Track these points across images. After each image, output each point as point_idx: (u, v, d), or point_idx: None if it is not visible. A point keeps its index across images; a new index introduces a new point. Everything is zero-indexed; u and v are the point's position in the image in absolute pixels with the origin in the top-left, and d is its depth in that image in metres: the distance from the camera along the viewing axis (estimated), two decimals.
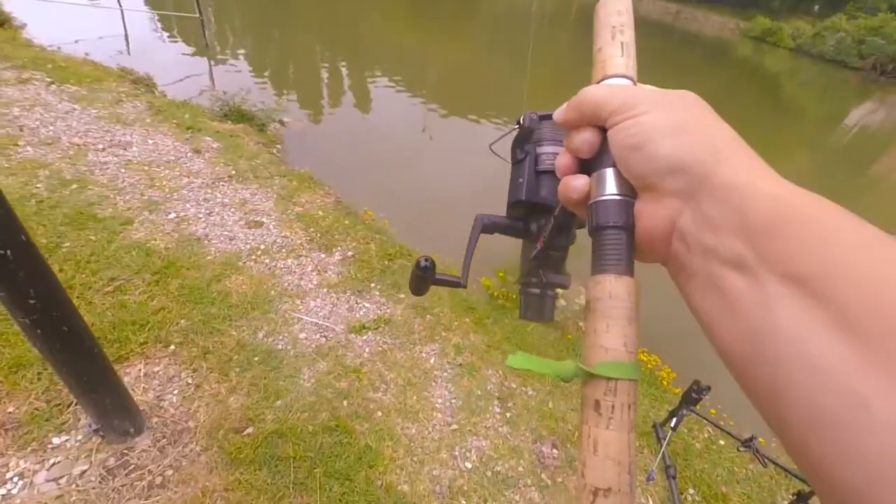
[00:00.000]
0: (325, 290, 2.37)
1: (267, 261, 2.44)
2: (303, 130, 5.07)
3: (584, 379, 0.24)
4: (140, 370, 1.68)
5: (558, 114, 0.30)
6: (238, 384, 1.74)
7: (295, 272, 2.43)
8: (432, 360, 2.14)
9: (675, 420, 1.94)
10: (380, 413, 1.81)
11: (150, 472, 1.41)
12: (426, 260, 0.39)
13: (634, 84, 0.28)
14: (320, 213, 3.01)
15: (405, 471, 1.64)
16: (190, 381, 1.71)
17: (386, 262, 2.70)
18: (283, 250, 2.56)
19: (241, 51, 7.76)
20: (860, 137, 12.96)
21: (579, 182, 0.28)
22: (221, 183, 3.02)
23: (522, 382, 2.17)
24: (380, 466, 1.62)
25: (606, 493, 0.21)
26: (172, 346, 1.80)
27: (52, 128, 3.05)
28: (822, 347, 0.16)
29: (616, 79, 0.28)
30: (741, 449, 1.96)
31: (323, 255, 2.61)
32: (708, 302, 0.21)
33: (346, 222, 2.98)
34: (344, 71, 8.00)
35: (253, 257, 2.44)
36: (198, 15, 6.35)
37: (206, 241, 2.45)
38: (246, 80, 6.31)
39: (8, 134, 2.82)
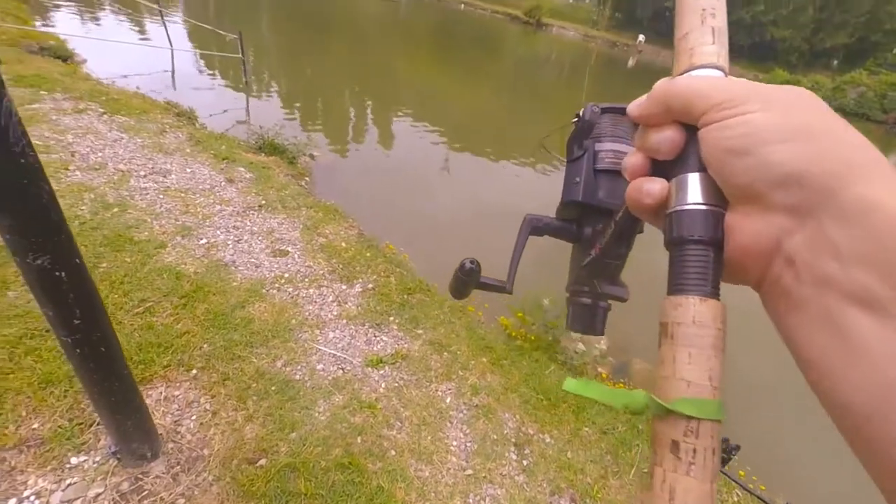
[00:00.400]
0: (344, 321, 2.38)
1: (290, 289, 2.49)
2: (330, 164, 5.28)
3: (658, 414, 0.21)
4: (161, 393, 1.70)
5: (635, 107, 0.26)
6: (255, 413, 1.74)
7: (316, 302, 2.46)
8: (448, 400, 2.10)
9: None
10: (393, 452, 1.77)
11: (161, 499, 1.39)
12: (471, 262, 0.36)
13: (726, 77, 0.24)
14: (343, 244, 3.08)
15: None
16: (208, 406, 1.71)
17: (405, 297, 2.71)
18: (306, 280, 2.61)
19: (275, 87, 8.25)
20: None
21: (655, 186, 0.25)
22: (251, 212, 3.14)
23: (540, 428, 2.10)
24: None
25: None
26: (194, 371, 1.82)
27: (100, 154, 3.25)
28: None
29: (706, 70, 0.24)
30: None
31: (344, 287, 2.65)
32: (820, 341, 0.19)
33: (368, 255, 3.03)
34: (370, 108, 8.40)
35: (276, 285, 2.49)
36: (240, 55, 6.83)
37: (233, 268, 2.52)
38: (278, 113, 6.67)
39: (60, 159, 3.01)
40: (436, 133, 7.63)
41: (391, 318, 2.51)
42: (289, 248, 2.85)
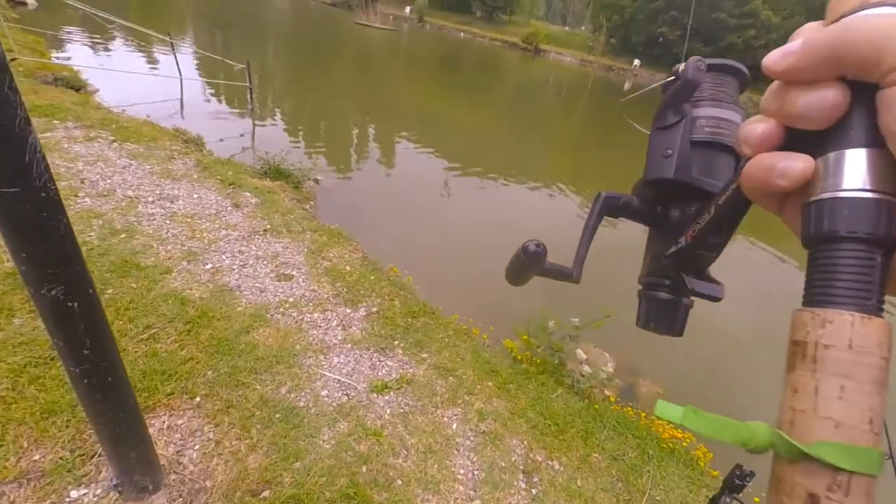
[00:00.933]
0: (349, 345, 2.37)
1: (294, 314, 2.48)
2: (334, 188, 5.35)
3: (788, 457, 0.17)
4: (164, 422, 1.68)
5: (779, 59, 0.20)
6: (258, 442, 1.71)
7: (320, 326, 2.45)
8: (454, 426, 2.06)
9: None
10: (399, 482, 1.73)
11: None
12: (537, 245, 0.31)
13: None
14: (347, 268, 3.09)
15: None
16: (211, 436, 1.69)
17: (409, 320, 2.70)
18: (311, 304, 2.61)
19: (280, 113, 8.45)
20: None
21: (797, 165, 0.20)
22: (256, 236, 3.16)
23: (549, 455, 2.06)
24: None
25: None
26: (198, 398, 1.80)
27: (109, 181, 3.31)
28: None
29: (884, 7, 0.18)
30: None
31: (348, 310, 2.64)
32: None
33: (372, 278, 3.04)
34: (373, 133, 8.56)
35: (281, 310, 2.49)
36: (247, 83, 7.03)
37: (237, 293, 2.53)
38: (284, 139, 6.81)
39: (70, 186, 3.07)
40: (439, 156, 7.76)
41: (396, 342, 2.49)
42: (293, 272, 2.86)
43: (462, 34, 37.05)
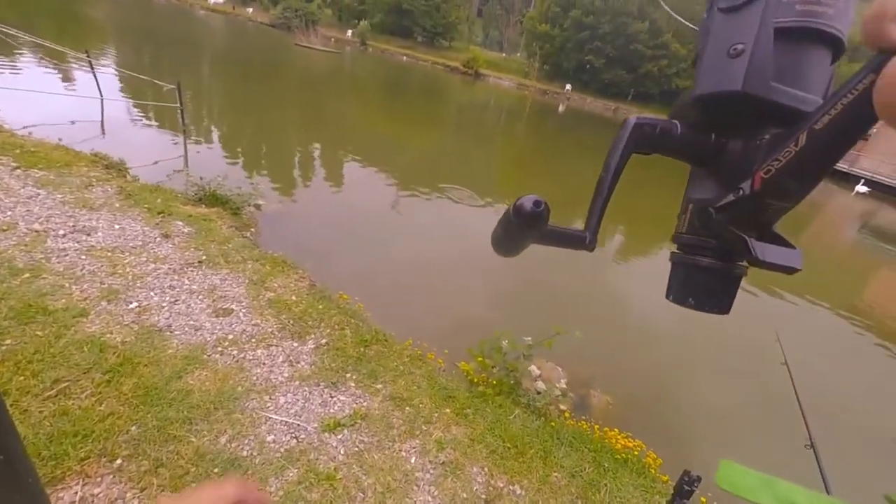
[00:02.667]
0: (296, 382, 2.22)
1: (235, 352, 2.30)
2: (277, 214, 5.12)
3: None
4: (77, 493, 1.45)
5: None
6: None
7: (265, 364, 2.28)
8: (413, 460, 1.98)
9: None
10: None
11: None
12: (536, 202, 0.24)
13: None
14: (293, 297, 2.93)
15: None
16: (136, 503, 1.48)
17: (361, 349, 2.60)
18: (253, 340, 2.43)
19: (217, 135, 8.03)
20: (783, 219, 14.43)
21: None
22: (190, 269, 2.92)
23: (510, 480, 2.03)
24: None
25: None
26: (119, 460, 1.59)
27: (10, 213, 2.92)
28: None
29: None
30: None
31: (295, 344, 2.49)
32: None
33: (321, 307, 2.90)
34: (317, 155, 8.37)
35: (219, 348, 2.29)
36: (178, 105, 6.62)
37: (168, 333, 2.30)
38: (220, 163, 6.45)
39: None
40: (387, 176, 7.72)
41: (348, 375, 2.38)
42: (233, 306, 2.67)
43: (405, 58, 37.74)
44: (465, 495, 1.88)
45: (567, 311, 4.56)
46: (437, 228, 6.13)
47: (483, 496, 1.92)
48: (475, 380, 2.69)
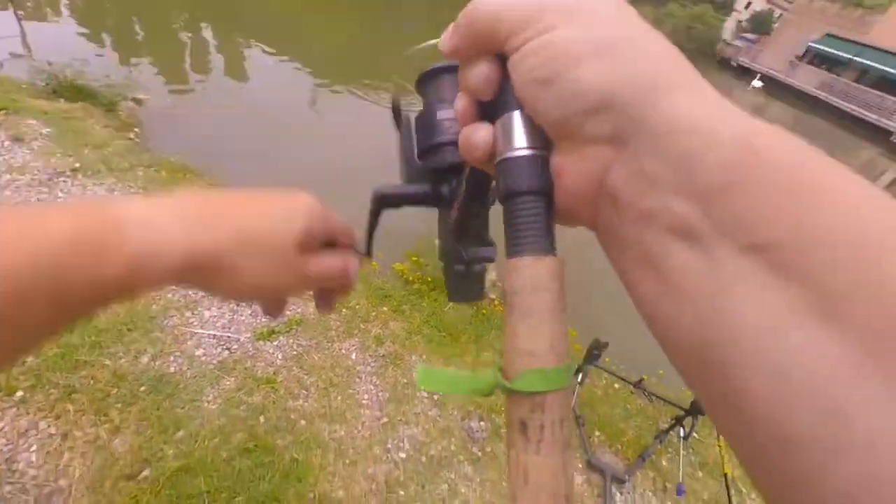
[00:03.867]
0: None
1: None
2: (168, 110, 4.32)
3: (504, 393, 0.19)
4: None
5: (444, 40, 0.21)
6: (122, 422, 1.47)
7: None
8: (354, 356, 2.06)
9: (580, 375, 2.18)
10: (303, 422, 1.70)
11: None
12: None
13: None
14: None
15: (338, 476, 1.58)
16: (53, 430, 1.39)
17: None
18: None
19: (66, 4, 6.24)
20: None
21: (480, 135, 0.21)
22: (62, 179, 2.44)
23: (446, 362, 2.22)
24: (310, 478, 1.53)
25: None
26: (20, 392, 1.43)
27: None
28: (794, 341, 0.12)
29: None
30: (633, 391, 2.28)
31: None
32: (646, 281, 0.17)
33: None
34: (213, 39, 6.97)
35: None
36: None
37: None
38: (75, 42, 5.12)
39: None
40: (302, 68, 6.75)
41: None
42: None
43: None
44: (405, 381, 2.03)
45: (497, 212, 4.69)
46: (361, 131, 5.67)
47: None
48: (410, 278, 2.75)
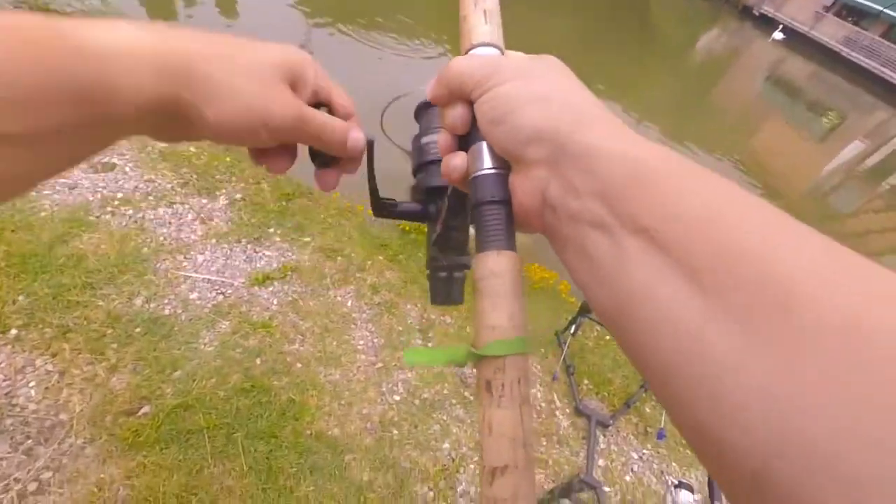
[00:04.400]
0: (213, 240, 2.06)
1: (130, 212, 2.01)
2: None
3: (475, 362, 0.23)
4: None
5: (428, 91, 0.28)
6: (119, 362, 1.49)
7: (171, 223, 2.05)
8: (349, 303, 2.06)
9: (573, 327, 2.21)
10: (299, 365, 1.73)
11: (16, 480, 1.17)
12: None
13: (502, 53, 0.27)
14: (192, 149, 2.52)
15: (333, 416, 1.63)
16: (50, 367, 1.40)
17: (284, 203, 2.42)
18: (151, 197, 2.13)
19: None
20: (706, 62, 14.76)
21: (457, 160, 0.27)
22: None
23: (441, 312, 2.24)
24: (306, 417, 1.58)
25: (503, 470, 0.21)
26: (14, 331, 1.44)
27: None
28: (670, 297, 0.16)
29: (482, 48, 0.27)
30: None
31: (205, 201, 2.24)
32: (580, 267, 0.21)
33: (228, 159, 2.55)
34: None
35: (109, 208, 1.98)
36: None
37: (34, 193, 1.90)
38: None
39: None
40: (296, 4, 6.26)
41: (271, 230, 2.25)
42: (115, 160, 2.24)
43: None
44: (400, 328, 2.06)
45: None
46: (359, 70, 5.36)
47: (417, 327, 2.11)
48: (407, 228, 2.71)
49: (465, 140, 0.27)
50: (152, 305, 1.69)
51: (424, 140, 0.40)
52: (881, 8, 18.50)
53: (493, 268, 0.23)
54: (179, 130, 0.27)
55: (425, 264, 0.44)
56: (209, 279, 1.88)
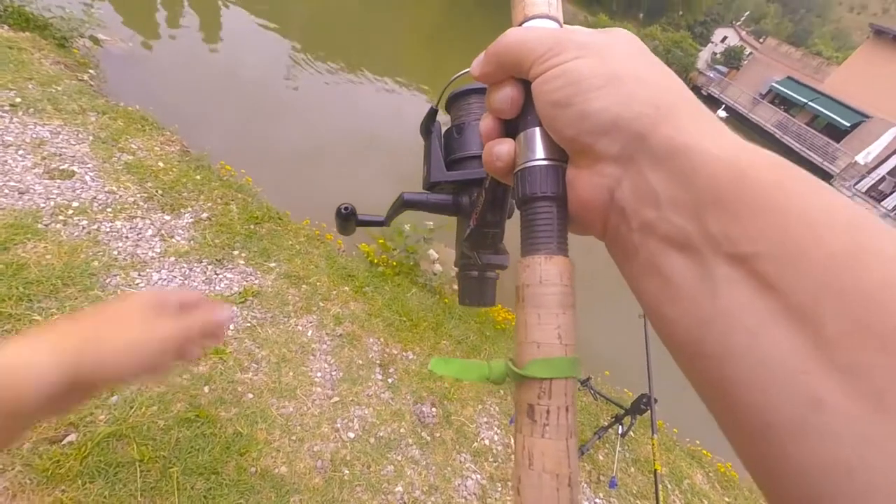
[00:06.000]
0: (172, 258, 1.98)
1: (84, 223, 1.91)
2: (130, 55, 4.00)
3: (516, 382, 0.21)
4: None
5: (475, 67, 0.24)
6: None
7: (128, 237, 1.96)
8: (310, 333, 2.01)
9: None
10: (250, 395, 1.64)
11: None
12: (346, 208, 0.40)
13: (560, 26, 0.24)
14: (161, 164, 2.46)
15: (282, 452, 1.54)
16: None
17: (251, 227, 2.38)
18: (109, 209, 2.04)
19: None
20: None
21: (503, 147, 0.24)
22: None
23: (403, 348, 2.22)
24: (253, 452, 1.49)
25: None
26: None
27: None
28: (772, 340, 0.14)
29: (539, 20, 0.23)
30: (580, 388, 2.37)
31: (168, 217, 2.16)
32: (649, 287, 0.19)
33: (198, 177, 2.51)
34: None
35: (61, 217, 1.88)
36: None
37: None
38: None
39: None
40: (278, 37, 6.44)
41: (235, 252, 2.19)
42: (74, 168, 2.14)
43: None
44: (360, 362, 2.02)
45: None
46: (337, 106, 5.50)
47: (378, 362, 2.08)
48: (375, 260, 2.71)
49: (513, 125, 0.24)
50: None
51: (467, 132, 0.38)
52: (805, 100, 21.22)
53: (542, 275, 0.21)
54: (80, 393, 0.34)
55: (454, 262, 0.41)
56: None
